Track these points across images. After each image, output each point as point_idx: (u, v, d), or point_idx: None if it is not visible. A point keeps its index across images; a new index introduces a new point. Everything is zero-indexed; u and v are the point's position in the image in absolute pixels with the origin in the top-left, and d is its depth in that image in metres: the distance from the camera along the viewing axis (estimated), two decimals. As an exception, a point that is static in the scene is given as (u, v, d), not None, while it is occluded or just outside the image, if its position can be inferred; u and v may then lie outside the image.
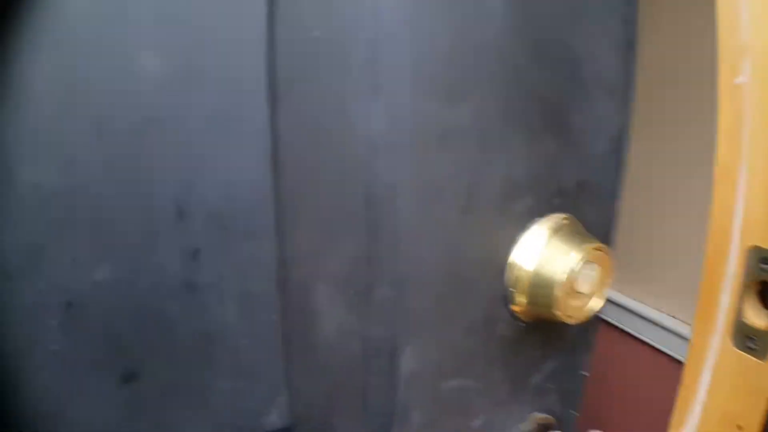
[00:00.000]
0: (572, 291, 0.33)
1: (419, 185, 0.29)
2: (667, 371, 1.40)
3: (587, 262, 0.33)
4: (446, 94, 0.29)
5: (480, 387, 0.36)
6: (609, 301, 1.48)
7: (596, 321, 0.41)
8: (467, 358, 0.34)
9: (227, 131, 0.24)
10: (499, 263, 0.34)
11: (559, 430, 0.40)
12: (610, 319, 1.49)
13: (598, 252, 0.34)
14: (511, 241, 0.34)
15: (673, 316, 1.39)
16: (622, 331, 1.52)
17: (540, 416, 0.41)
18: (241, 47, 0.23)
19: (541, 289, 0.33)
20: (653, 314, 1.45)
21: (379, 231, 0.29)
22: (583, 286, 0.33)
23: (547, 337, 0.38)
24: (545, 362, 0.40)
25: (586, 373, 0.43)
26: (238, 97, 0.24)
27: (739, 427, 0.39)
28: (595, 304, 0.35)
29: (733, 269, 0.37)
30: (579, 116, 0.36)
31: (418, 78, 0.28)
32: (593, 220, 0.38)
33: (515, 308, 0.35)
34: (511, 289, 0.34)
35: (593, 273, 0.34)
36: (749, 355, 0.37)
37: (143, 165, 0.22)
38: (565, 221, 0.35)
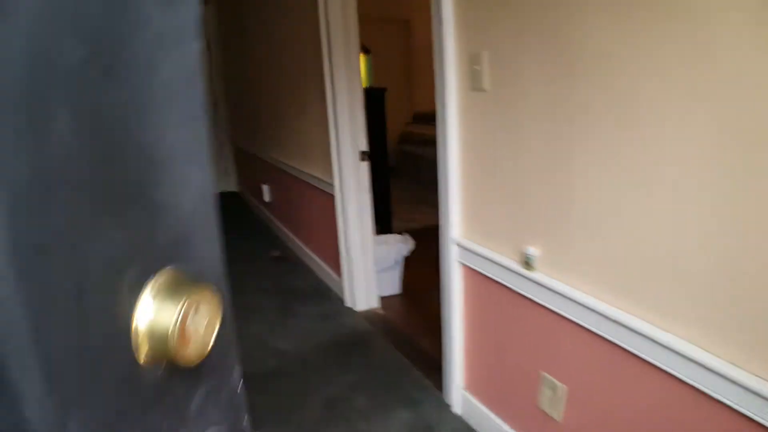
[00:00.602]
0: (184, 335, 0.43)
1: (30, 290, 0.36)
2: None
3: (192, 306, 0.43)
4: (36, 215, 0.36)
5: (147, 427, 0.45)
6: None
7: (231, 345, 0.53)
8: (127, 412, 0.43)
9: None
10: (124, 329, 0.42)
11: None
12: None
13: (202, 294, 0.44)
14: (129, 308, 0.42)
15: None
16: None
17: (213, 429, 0.51)
18: None
19: (159, 341, 0.42)
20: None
21: (8, 338, 0.35)
22: (193, 329, 0.44)
23: (190, 371, 0.48)
24: (198, 389, 0.50)
25: (241, 385, 0.55)
26: None
27: None
28: (209, 338, 0.46)
29: None
30: (164, 187, 0.45)
31: (10, 207, 0.34)
32: (200, 263, 0.49)
33: (147, 361, 0.43)
34: (138, 348, 0.42)
35: (200, 314, 0.44)
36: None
37: None
38: (170, 274, 0.45)
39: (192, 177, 0.47)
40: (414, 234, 3.81)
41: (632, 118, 1.38)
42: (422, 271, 3.82)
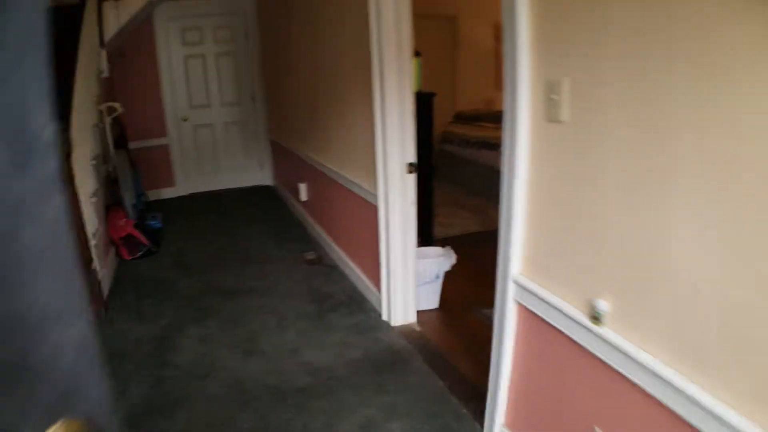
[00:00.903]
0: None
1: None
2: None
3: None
4: None
5: None
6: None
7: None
8: None
9: None
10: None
11: None
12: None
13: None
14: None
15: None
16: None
17: None
18: None
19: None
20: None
21: None
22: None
23: None
24: None
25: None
26: None
27: None
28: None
29: None
30: (44, 350, 0.47)
31: None
32: (90, 410, 0.51)
33: None
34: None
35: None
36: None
37: None
38: (65, 426, 0.48)
39: (70, 331, 0.50)
40: (452, 241, 3.80)
41: (736, 176, 1.23)
42: (460, 284, 3.79)
